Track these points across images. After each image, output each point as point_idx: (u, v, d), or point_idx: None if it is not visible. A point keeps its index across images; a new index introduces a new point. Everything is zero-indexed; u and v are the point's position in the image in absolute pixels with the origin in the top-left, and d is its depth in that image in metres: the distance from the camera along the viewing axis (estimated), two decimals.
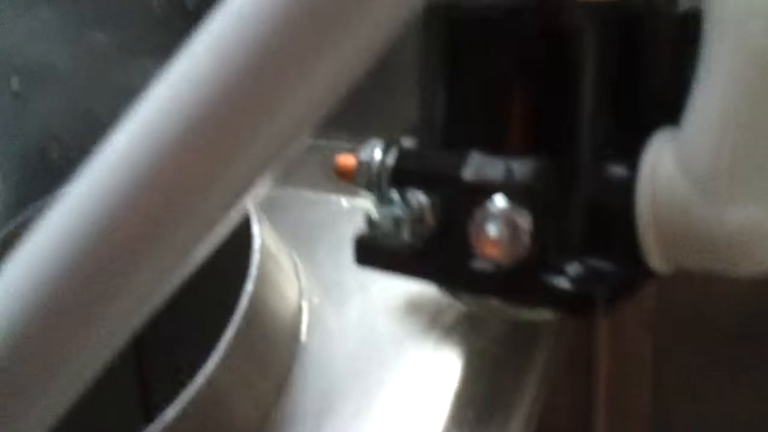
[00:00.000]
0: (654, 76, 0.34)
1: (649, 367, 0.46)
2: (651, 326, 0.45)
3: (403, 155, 0.38)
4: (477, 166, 0.32)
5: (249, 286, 0.43)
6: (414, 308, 0.47)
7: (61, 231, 0.22)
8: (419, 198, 0.33)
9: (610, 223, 0.33)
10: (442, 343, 0.45)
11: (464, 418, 0.42)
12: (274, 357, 0.45)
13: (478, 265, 0.32)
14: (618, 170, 0.33)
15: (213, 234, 0.22)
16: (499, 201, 0.31)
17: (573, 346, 0.45)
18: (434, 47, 0.34)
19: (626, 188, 0.32)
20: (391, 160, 0.39)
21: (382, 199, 0.39)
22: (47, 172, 0.74)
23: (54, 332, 0.22)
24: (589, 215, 0.33)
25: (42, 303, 0.22)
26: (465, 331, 0.45)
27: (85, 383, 0.23)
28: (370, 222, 0.33)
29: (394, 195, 0.33)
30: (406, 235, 0.33)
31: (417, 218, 0.33)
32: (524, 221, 0.31)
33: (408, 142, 0.38)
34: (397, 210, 0.33)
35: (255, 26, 0.19)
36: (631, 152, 0.32)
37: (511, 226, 0.30)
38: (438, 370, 0.44)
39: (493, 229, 0.30)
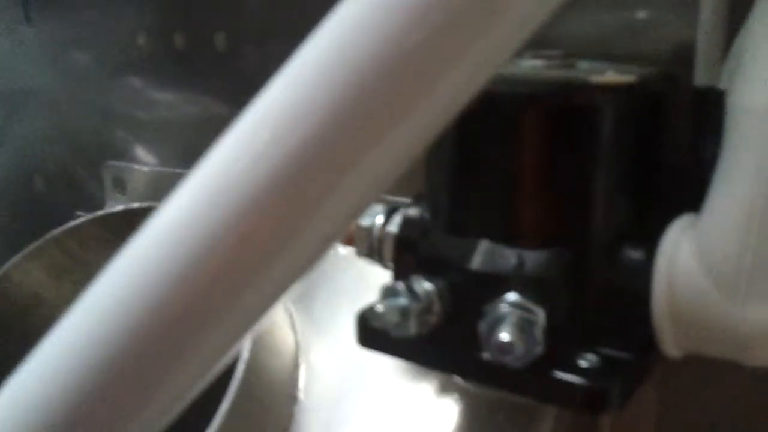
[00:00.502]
0: (671, 156, 0.33)
1: (653, 419, 0.46)
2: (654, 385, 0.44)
3: (407, 225, 0.37)
4: (487, 255, 0.31)
5: (245, 353, 0.41)
6: (414, 365, 0.46)
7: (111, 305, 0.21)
8: (425, 287, 0.32)
9: (626, 309, 0.32)
10: (442, 401, 0.44)
11: None
12: (271, 420, 0.44)
13: (488, 356, 0.31)
14: (635, 256, 0.31)
15: (264, 315, 0.21)
16: (511, 298, 0.30)
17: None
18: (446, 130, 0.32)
19: (643, 275, 0.31)
20: (393, 228, 0.37)
21: (383, 267, 0.38)
22: (33, 203, 0.72)
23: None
24: (603, 303, 0.32)
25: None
26: (466, 392, 0.44)
27: None
28: (375, 314, 0.32)
29: (399, 285, 0.31)
30: (413, 326, 0.31)
31: (424, 309, 0.31)
32: (538, 319, 0.29)
33: (412, 211, 0.37)
34: (404, 300, 0.31)
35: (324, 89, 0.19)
36: (648, 236, 0.31)
37: (524, 328, 0.29)
38: (437, 429, 0.43)
39: (504, 334, 0.28)
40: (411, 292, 0.31)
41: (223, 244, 0.19)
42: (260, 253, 0.20)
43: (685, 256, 0.30)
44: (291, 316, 0.49)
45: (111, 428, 0.21)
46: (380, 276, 0.39)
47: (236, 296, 0.20)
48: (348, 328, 0.49)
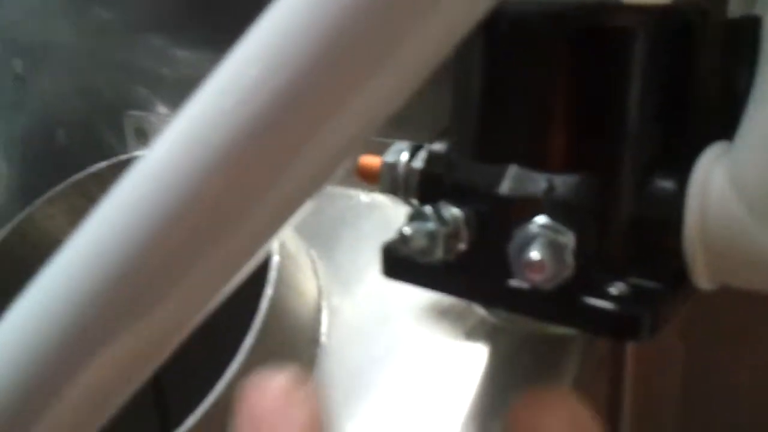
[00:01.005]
0: (704, 86, 0.32)
1: (678, 372, 0.45)
2: (683, 333, 0.43)
3: (432, 160, 0.36)
4: (516, 180, 0.31)
5: (269, 290, 0.41)
6: (437, 307, 0.46)
7: (98, 243, 0.21)
8: (453, 212, 0.31)
9: (656, 239, 0.31)
10: (466, 342, 0.44)
11: (487, 417, 0.41)
12: (293, 360, 0.44)
13: (516, 283, 0.31)
14: (666, 184, 0.31)
15: (253, 257, 0.21)
16: (541, 220, 0.29)
17: (602, 352, 0.43)
18: (472, 51, 0.32)
19: (674, 203, 0.30)
20: (418, 163, 0.37)
21: (407, 204, 0.38)
22: (54, 156, 0.73)
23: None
24: (633, 232, 0.31)
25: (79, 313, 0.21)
26: (490, 332, 0.44)
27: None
28: (402, 237, 0.31)
29: (428, 209, 0.31)
30: (440, 251, 0.31)
31: (452, 234, 0.31)
32: (568, 241, 0.29)
33: (437, 147, 0.36)
34: (431, 225, 0.31)
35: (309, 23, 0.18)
36: (679, 166, 0.31)
37: (554, 249, 0.28)
38: (461, 370, 0.43)
39: (535, 253, 0.28)
40: (439, 216, 0.31)
41: (214, 178, 0.19)
42: (249, 191, 0.19)
43: (718, 183, 0.30)
44: (313, 262, 0.49)
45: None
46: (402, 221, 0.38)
47: (225, 236, 0.20)
48: (370, 274, 0.49)
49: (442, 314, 0.45)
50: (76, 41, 0.71)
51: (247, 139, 0.19)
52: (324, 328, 0.46)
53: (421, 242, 0.31)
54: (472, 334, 0.43)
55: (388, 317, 0.46)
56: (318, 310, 0.46)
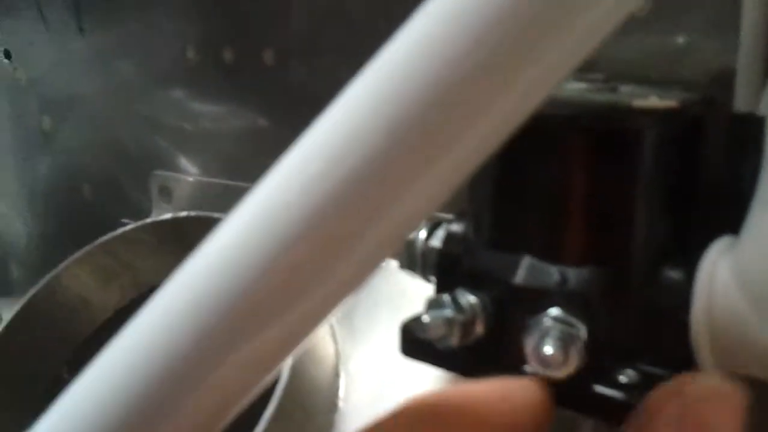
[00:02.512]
0: (711, 180, 0.34)
1: None
2: None
3: (450, 240, 0.38)
4: (530, 271, 0.32)
5: (288, 363, 0.43)
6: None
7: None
8: (470, 299, 0.33)
9: (665, 327, 0.32)
10: None
11: None
12: (312, 427, 0.45)
13: (530, 369, 0.32)
14: (674, 275, 0.32)
15: (306, 338, 0.22)
16: (554, 312, 0.31)
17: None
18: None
19: (682, 293, 0.32)
20: (436, 242, 0.39)
21: (425, 280, 0.39)
22: (79, 211, 0.75)
23: None
24: (643, 321, 0.32)
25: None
26: None
27: None
28: (420, 324, 0.33)
29: (445, 297, 0.33)
30: (457, 337, 0.32)
31: (468, 321, 0.32)
32: (579, 334, 0.30)
33: (455, 227, 0.38)
34: (449, 312, 0.32)
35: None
36: (687, 257, 0.32)
37: (566, 342, 0.30)
38: None
39: (548, 348, 0.29)
40: (456, 303, 0.33)
41: (274, 269, 0.20)
42: (309, 279, 0.20)
43: (723, 277, 0.31)
44: (332, 327, 0.50)
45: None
46: (419, 288, 0.40)
47: (283, 316, 0.21)
48: (387, 339, 0.50)
49: (456, 381, 0.46)
50: (100, 96, 0.73)
51: (309, 227, 0.20)
52: (342, 393, 0.48)
53: (439, 330, 0.32)
54: None
55: (405, 383, 0.48)
56: (336, 376, 0.48)
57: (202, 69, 0.63)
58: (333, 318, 0.52)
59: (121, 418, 0.21)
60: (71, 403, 0.22)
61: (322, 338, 0.48)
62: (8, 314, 0.56)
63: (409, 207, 0.21)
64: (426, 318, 0.32)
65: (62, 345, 0.56)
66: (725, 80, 0.37)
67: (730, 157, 0.34)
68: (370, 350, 0.49)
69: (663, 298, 0.32)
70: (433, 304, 0.33)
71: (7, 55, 0.73)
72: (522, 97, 0.21)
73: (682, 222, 0.34)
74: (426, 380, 0.47)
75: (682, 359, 0.33)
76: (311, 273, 0.20)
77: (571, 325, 0.30)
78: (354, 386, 0.48)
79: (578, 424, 0.38)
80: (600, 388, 0.31)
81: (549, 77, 0.21)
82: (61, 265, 0.55)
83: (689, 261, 0.32)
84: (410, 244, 0.39)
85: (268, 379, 0.22)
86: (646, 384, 0.32)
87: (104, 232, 0.59)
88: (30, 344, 0.54)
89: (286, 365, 0.43)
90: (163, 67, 0.66)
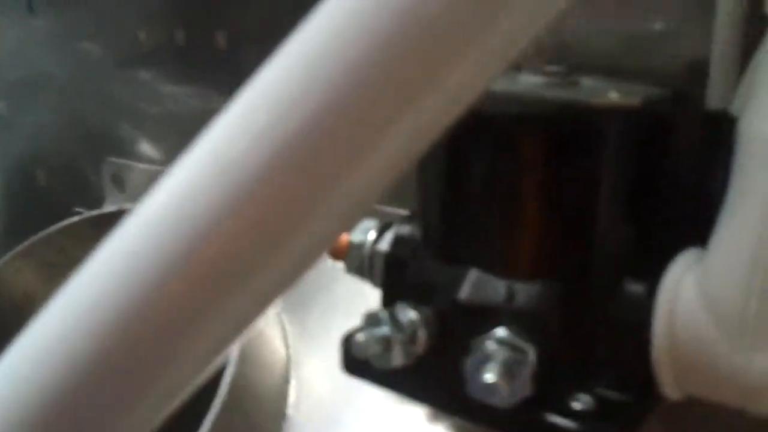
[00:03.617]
0: (678, 184, 0.31)
1: None
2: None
3: (398, 243, 0.35)
4: (475, 286, 0.29)
5: (231, 366, 0.40)
6: None
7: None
8: (410, 315, 0.30)
9: (624, 347, 0.30)
10: (439, 420, 0.42)
11: None
12: None
13: (474, 393, 0.29)
14: (635, 289, 0.29)
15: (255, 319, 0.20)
16: (499, 333, 0.28)
17: None
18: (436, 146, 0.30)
19: (643, 309, 0.29)
20: (384, 245, 0.36)
21: (375, 286, 0.36)
22: (34, 198, 0.71)
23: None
24: (600, 339, 0.30)
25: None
26: None
27: None
28: (356, 344, 0.30)
29: (382, 313, 0.30)
30: (396, 357, 0.29)
31: (408, 339, 0.30)
32: (527, 359, 0.27)
33: (404, 229, 0.35)
34: (386, 330, 0.29)
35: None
36: (650, 270, 0.29)
37: (512, 369, 0.27)
38: None
39: (490, 375, 0.26)
40: (394, 320, 0.30)
41: (214, 236, 0.18)
42: (252, 249, 0.18)
43: (687, 294, 0.28)
44: (283, 329, 0.47)
45: None
46: (376, 290, 0.37)
47: (228, 294, 0.18)
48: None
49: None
50: (56, 78, 0.70)
51: (254, 189, 0.18)
52: (292, 399, 0.45)
53: (375, 349, 0.29)
54: (442, 415, 0.42)
55: (358, 389, 0.45)
56: (285, 382, 0.45)
57: (156, 51, 0.60)
58: (277, 313, 0.49)
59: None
60: None
61: (271, 341, 0.45)
62: None
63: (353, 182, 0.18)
64: (360, 336, 0.29)
65: (5, 344, 0.53)
66: (699, 73, 0.34)
67: (699, 160, 0.31)
68: (324, 355, 0.47)
69: (623, 314, 0.29)
70: (369, 321, 0.30)
71: None
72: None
73: (645, 229, 0.30)
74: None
75: (642, 382, 0.30)
76: (252, 249, 0.18)
77: (517, 348, 0.27)
78: (305, 393, 0.45)
79: None
80: (551, 417, 0.28)
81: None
82: (2, 259, 0.52)
83: (652, 272, 0.29)
84: (357, 247, 0.36)
85: (207, 371, 0.20)
86: (602, 410, 0.29)
87: (59, 220, 0.56)
88: None
89: (228, 371, 0.40)
90: (118, 49, 0.63)
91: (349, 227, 0.35)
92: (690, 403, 0.33)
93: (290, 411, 0.45)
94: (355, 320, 0.36)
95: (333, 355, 0.47)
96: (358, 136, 0.18)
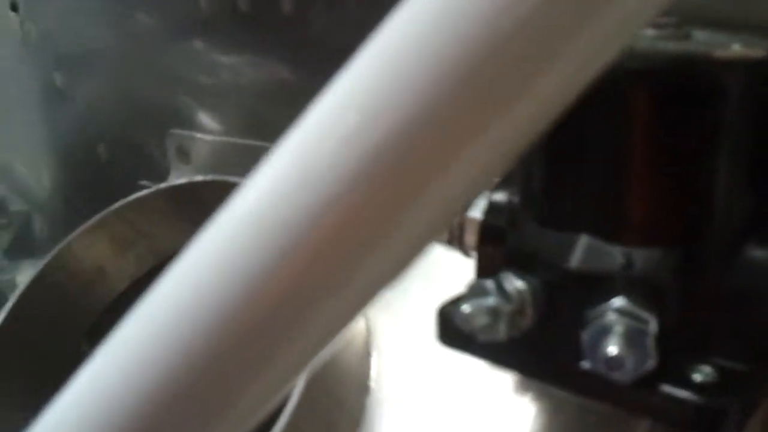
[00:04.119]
0: None
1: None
2: None
3: (493, 211, 0.33)
4: (588, 253, 0.28)
5: None
6: None
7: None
8: (517, 285, 0.28)
9: (746, 314, 0.28)
10: (527, 392, 0.41)
11: None
12: (342, 412, 0.42)
13: (589, 365, 0.28)
14: (758, 254, 0.28)
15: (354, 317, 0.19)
16: (618, 303, 0.26)
17: None
18: None
19: (766, 274, 0.27)
20: (476, 213, 0.34)
21: (465, 256, 0.35)
22: (96, 173, 0.71)
23: None
24: (722, 308, 0.28)
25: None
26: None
27: None
28: (460, 314, 0.28)
29: (489, 283, 0.28)
30: (503, 329, 0.28)
31: (516, 310, 0.28)
32: (650, 329, 0.26)
33: (499, 196, 0.33)
34: (493, 300, 0.28)
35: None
36: None
37: (635, 339, 0.25)
38: (518, 418, 0.40)
39: (612, 348, 0.25)
40: (501, 291, 0.28)
41: (310, 237, 0.17)
42: (350, 249, 0.17)
43: None
44: None
45: None
46: (455, 257, 0.36)
47: (324, 296, 0.18)
48: (420, 312, 0.46)
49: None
50: (114, 50, 0.69)
51: (348, 189, 0.16)
52: (374, 373, 0.44)
53: (482, 320, 0.28)
54: (531, 387, 0.40)
55: (443, 360, 0.44)
56: (367, 355, 0.44)
57: (217, 19, 0.59)
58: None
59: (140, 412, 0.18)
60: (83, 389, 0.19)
61: None
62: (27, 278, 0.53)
63: (466, 168, 0.17)
64: (467, 308, 0.28)
65: (79, 317, 0.53)
66: None
67: None
68: (403, 324, 0.46)
69: (746, 280, 0.28)
70: (474, 291, 0.29)
71: (14, 7, 0.69)
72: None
73: (766, 192, 0.29)
74: (466, 359, 0.43)
75: (765, 351, 0.28)
76: (350, 249, 0.17)
77: (639, 318, 0.26)
78: (387, 365, 0.44)
79: (631, 424, 0.34)
80: (670, 389, 0.27)
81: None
82: (73, 234, 0.52)
83: None
84: None
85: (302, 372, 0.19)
86: (724, 382, 0.27)
87: (122, 195, 0.56)
88: (45, 317, 0.51)
89: None
90: (177, 18, 0.62)
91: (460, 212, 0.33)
92: None
93: (373, 384, 0.44)
94: (433, 289, 0.35)
95: (412, 325, 0.46)
96: (457, 137, 0.16)
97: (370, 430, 0.42)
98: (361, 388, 0.43)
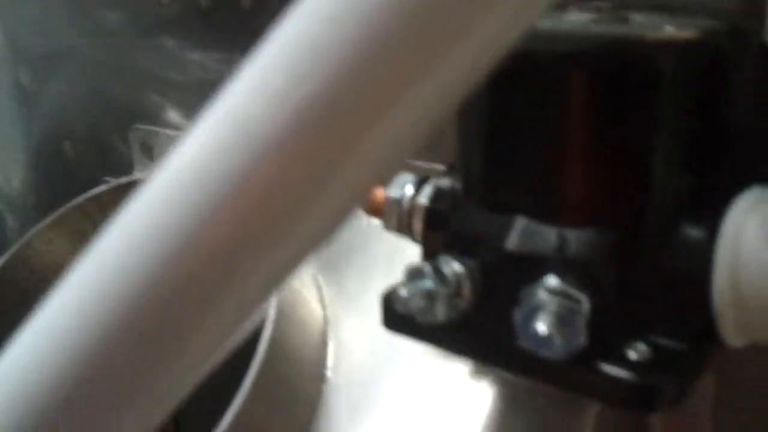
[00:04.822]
0: (737, 122, 0.29)
1: (710, 410, 0.42)
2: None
3: (438, 197, 0.33)
4: (524, 235, 0.28)
5: (267, 331, 0.39)
6: None
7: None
8: (454, 268, 0.29)
9: (681, 294, 0.28)
10: (481, 378, 0.41)
11: None
12: (297, 400, 0.42)
13: (525, 345, 0.28)
14: (694, 233, 0.28)
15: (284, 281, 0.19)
16: (551, 283, 0.26)
17: None
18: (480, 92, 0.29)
19: (703, 254, 0.27)
20: (423, 199, 0.34)
21: (416, 242, 0.35)
22: (63, 170, 0.71)
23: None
24: (656, 287, 0.28)
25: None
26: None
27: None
28: (398, 298, 0.29)
29: (426, 266, 0.28)
30: (441, 311, 0.28)
31: (453, 293, 0.28)
32: (580, 308, 0.26)
33: (444, 182, 0.34)
34: (430, 283, 0.28)
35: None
36: (710, 213, 0.27)
37: (565, 319, 0.25)
38: (475, 406, 0.40)
39: (542, 326, 0.25)
40: (438, 273, 0.28)
41: (237, 197, 0.17)
42: (281, 202, 0.17)
43: (752, 234, 0.27)
44: (320, 290, 0.46)
45: (109, 413, 0.19)
46: (416, 248, 0.36)
47: (254, 256, 0.18)
48: (379, 302, 0.46)
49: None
50: (80, 47, 0.69)
51: (274, 148, 0.17)
52: (330, 361, 0.44)
53: (419, 303, 0.28)
54: (485, 372, 0.41)
55: (397, 350, 0.44)
56: (323, 344, 0.44)
57: (181, 16, 0.59)
58: (313, 273, 0.48)
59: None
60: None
61: (307, 302, 0.44)
62: None
63: (389, 127, 0.17)
64: (404, 291, 0.28)
65: None
66: (755, 7, 0.32)
67: (759, 96, 0.29)
68: (362, 316, 0.46)
69: (681, 261, 0.28)
70: (412, 275, 0.29)
71: None
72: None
73: (702, 172, 0.29)
74: (421, 348, 0.43)
75: (702, 329, 0.28)
76: (279, 208, 0.17)
77: (570, 297, 0.26)
78: (344, 354, 0.44)
79: (582, 408, 0.34)
80: (605, 367, 0.27)
81: None
82: (33, 230, 0.51)
83: (712, 217, 0.27)
84: (395, 203, 0.35)
85: (239, 331, 0.19)
86: (659, 359, 0.28)
87: (86, 190, 0.56)
88: (6, 314, 0.51)
89: (265, 334, 0.39)
90: (142, 16, 0.62)
91: (380, 179, 0.33)
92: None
93: (329, 373, 0.44)
94: (393, 279, 0.35)
95: (371, 315, 0.46)
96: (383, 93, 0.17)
97: (327, 419, 0.42)
98: (318, 376, 0.43)
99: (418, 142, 0.18)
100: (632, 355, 0.28)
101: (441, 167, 0.37)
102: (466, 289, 0.28)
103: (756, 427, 0.42)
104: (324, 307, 0.46)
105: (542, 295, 0.26)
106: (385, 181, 0.35)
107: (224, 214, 0.17)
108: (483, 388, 0.40)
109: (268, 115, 0.17)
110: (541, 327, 0.25)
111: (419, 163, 0.43)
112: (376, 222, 0.49)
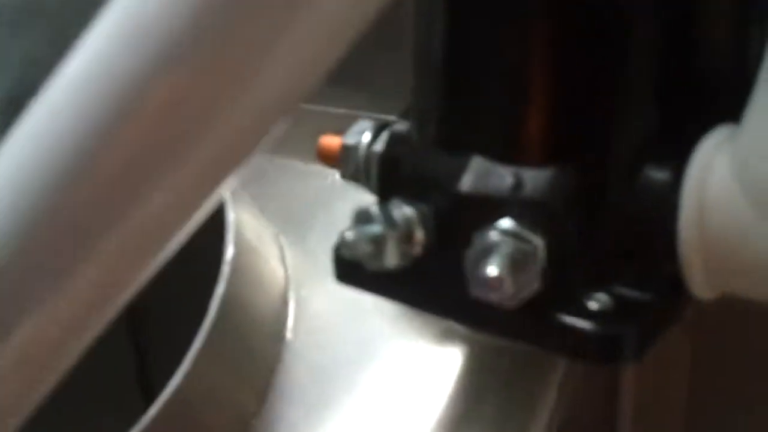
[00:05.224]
0: (707, 59, 0.27)
1: (685, 373, 0.41)
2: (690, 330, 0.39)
3: (394, 142, 0.32)
4: (478, 175, 0.26)
5: (220, 288, 0.37)
6: None
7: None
8: (405, 212, 0.27)
9: (646, 240, 0.26)
10: (443, 342, 0.40)
11: (462, 423, 0.37)
12: (253, 361, 0.40)
13: (476, 291, 0.26)
14: (658, 176, 0.26)
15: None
16: (504, 224, 0.24)
17: None
18: (432, 14, 0.27)
19: (668, 198, 0.26)
20: (380, 146, 0.32)
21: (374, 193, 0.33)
22: None
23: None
24: (618, 233, 0.26)
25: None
26: (469, 331, 0.39)
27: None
28: (344, 243, 0.27)
29: (374, 209, 0.26)
30: (391, 257, 0.26)
31: (403, 237, 0.26)
32: (535, 251, 0.24)
33: (400, 126, 0.32)
34: (378, 228, 0.26)
35: None
36: (676, 153, 0.26)
37: (517, 261, 0.24)
38: (436, 373, 0.38)
39: (492, 268, 0.23)
40: (387, 217, 0.26)
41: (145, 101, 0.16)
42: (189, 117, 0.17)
43: (720, 176, 0.25)
44: (281, 249, 0.44)
45: None
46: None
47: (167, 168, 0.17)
48: None
49: (420, 312, 0.41)
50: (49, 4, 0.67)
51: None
52: (290, 322, 0.42)
53: (366, 248, 0.26)
54: (450, 335, 0.39)
55: (361, 311, 0.42)
56: (284, 304, 0.42)
57: None
58: (270, 227, 0.46)
59: None
60: None
61: (267, 261, 0.42)
62: None
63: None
64: (350, 234, 0.26)
65: None
66: None
67: (732, 32, 0.27)
68: (326, 275, 0.44)
69: (644, 204, 0.26)
70: (360, 218, 0.27)
71: None
72: None
73: (671, 110, 0.27)
74: (385, 311, 0.41)
75: (666, 278, 0.27)
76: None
77: (524, 240, 0.24)
78: (305, 314, 0.43)
79: (545, 371, 0.33)
80: (563, 317, 0.25)
81: None
82: None
83: (678, 158, 0.26)
84: (351, 150, 0.33)
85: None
86: (620, 310, 0.26)
87: None
88: None
89: (218, 290, 0.37)
90: None
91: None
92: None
93: (289, 334, 0.42)
94: None
95: (332, 275, 0.44)
96: None
97: (285, 380, 0.41)
98: (277, 337, 0.41)
99: (330, 60, 0.17)
100: (593, 305, 0.26)
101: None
102: (418, 234, 0.27)
103: (732, 387, 0.41)
104: (285, 267, 0.44)
105: (494, 236, 0.24)
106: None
107: (129, 119, 0.16)
108: (452, 349, 0.39)
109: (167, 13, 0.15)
110: (492, 270, 0.23)
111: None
112: (339, 178, 0.47)
